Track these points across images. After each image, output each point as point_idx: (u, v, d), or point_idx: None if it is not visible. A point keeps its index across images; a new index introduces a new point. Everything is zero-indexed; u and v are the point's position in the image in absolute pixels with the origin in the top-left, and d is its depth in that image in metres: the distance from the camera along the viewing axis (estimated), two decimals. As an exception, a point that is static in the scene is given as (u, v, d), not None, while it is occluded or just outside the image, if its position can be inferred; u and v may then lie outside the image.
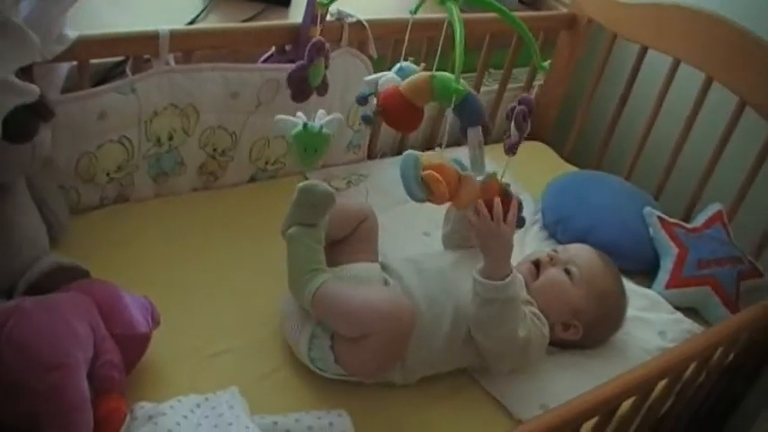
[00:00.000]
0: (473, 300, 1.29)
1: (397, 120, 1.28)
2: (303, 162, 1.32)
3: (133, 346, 1.14)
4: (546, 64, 1.29)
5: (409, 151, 1.19)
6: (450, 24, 1.17)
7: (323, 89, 1.42)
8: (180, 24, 1.57)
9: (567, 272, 1.43)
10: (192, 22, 1.65)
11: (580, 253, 1.48)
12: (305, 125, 1.29)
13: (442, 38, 1.28)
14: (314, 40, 1.33)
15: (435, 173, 1.17)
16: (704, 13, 1.79)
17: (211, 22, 1.69)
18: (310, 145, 1.30)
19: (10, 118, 1.09)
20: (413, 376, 1.31)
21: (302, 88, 1.37)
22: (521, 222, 1.36)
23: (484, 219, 1.27)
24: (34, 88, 0.81)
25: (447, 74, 1.22)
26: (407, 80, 1.25)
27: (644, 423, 1.47)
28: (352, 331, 1.21)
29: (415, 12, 1.32)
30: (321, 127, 1.30)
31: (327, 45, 1.37)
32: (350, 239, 1.42)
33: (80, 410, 0.95)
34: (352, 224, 1.42)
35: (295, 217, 1.29)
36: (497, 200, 1.27)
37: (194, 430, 1.06)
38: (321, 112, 1.34)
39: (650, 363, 1.33)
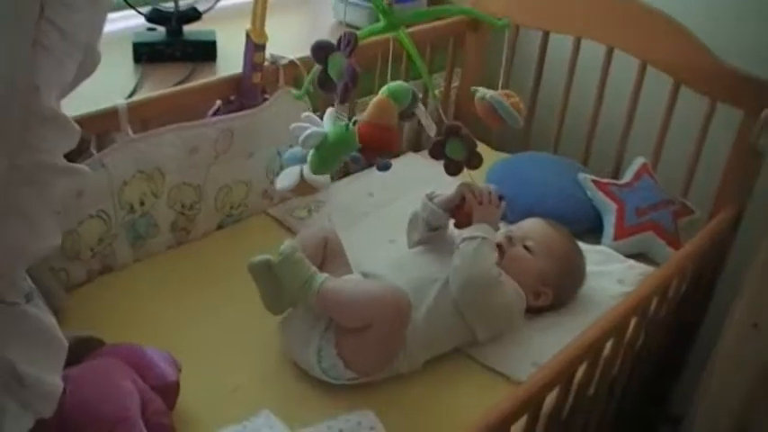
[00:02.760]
0: (455, 251, 1.46)
1: (381, 146, 1.34)
2: (332, 164, 1.32)
3: (167, 395, 1.24)
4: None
5: None
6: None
7: (344, 95, 1.28)
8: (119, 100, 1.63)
9: (526, 247, 1.59)
10: (131, 95, 1.73)
11: (532, 227, 1.64)
12: (347, 125, 1.29)
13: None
14: (344, 32, 1.26)
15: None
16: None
17: (149, 91, 1.74)
18: (347, 144, 1.30)
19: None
20: (416, 362, 1.44)
21: (322, 80, 1.30)
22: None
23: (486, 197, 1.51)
24: (84, 167, 0.90)
25: (393, 82, 1.36)
26: (369, 108, 1.34)
27: (624, 362, 1.63)
28: (356, 321, 1.34)
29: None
30: (353, 122, 1.31)
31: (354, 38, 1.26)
32: (324, 264, 1.52)
33: (145, 455, 1.05)
34: (319, 251, 1.53)
35: (266, 291, 1.40)
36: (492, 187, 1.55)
37: (245, 453, 1.16)
38: (330, 110, 1.34)
39: (620, 305, 1.48)
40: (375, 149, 1.35)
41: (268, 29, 1.68)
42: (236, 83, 1.71)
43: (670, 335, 1.89)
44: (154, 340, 1.36)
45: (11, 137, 0.76)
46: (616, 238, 1.84)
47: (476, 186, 1.54)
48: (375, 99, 1.37)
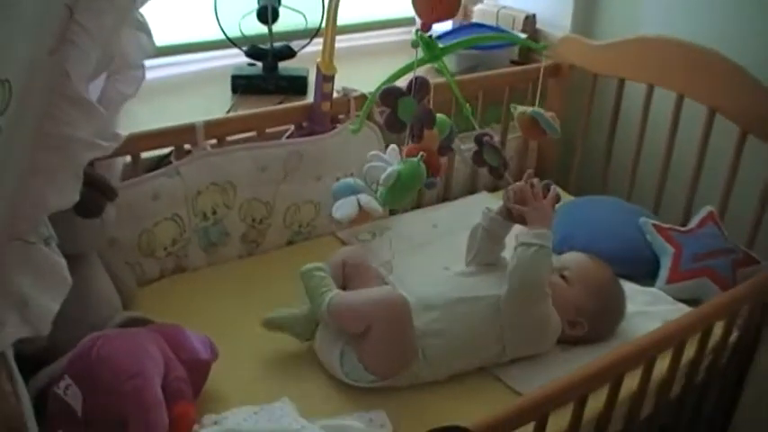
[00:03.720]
0: (513, 254, 1.55)
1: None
2: (406, 197, 1.41)
3: (197, 370, 1.38)
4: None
5: None
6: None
7: (420, 135, 1.36)
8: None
9: (562, 276, 1.63)
10: (225, 116, 1.95)
11: (572, 257, 1.69)
12: (418, 161, 1.37)
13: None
14: (417, 76, 1.34)
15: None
16: (665, 39, 2.02)
17: (241, 116, 1.97)
18: (420, 177, 1.37)
19: (81, 198, 1.38)
20: (438, 371, 1.51)
21: (389, 119, 1.36)
22: (558, 198, 1.65)
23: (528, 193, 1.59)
24: (104, 143, 1.09)
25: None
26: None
27: (657, 408, 1.62)
28: (359, 326, 1.46)
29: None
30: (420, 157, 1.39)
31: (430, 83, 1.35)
32: (349, 282, 1.65)
33: (157, 410, 1.19)
34: (339, 272, 1.65)
35: (314, 295, 1.55)
36: (536, 181, 1.61)
37: (253, 426, 1.28)
38: (393, 147, 1.49)
39: (649, 333, 1.50)
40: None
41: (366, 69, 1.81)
42: (307, 110, 1.88)
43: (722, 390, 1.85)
44: (208, 332, 1.50)
45: (38, 110, 0.94)
46: (669, 281, 1.84)
47: (515, 185, 1.61)
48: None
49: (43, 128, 0.96)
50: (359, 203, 1.50)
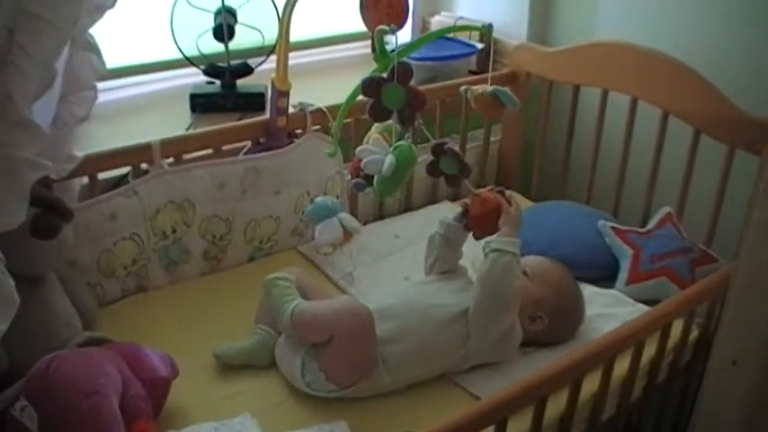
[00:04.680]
0: (484, 259, 1.55)
1: None
2: (403, 182, 1.47)
3: (156, 387, 1.38)
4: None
5: None
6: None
7: (411, 118, 1.41)
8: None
9: (524, 272, 1.65)
10: (183, 135, 1.95)
11: (533, 258, 1.71)
12: (409, 144, 1.44)
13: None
14: (399, 61, 1.38)
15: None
16: (618, 45, 2.05)
17: (199, 134, 1.98)
18: (413, 159, 1.45)
19: (36, 219, 1.38)
20: (398, 380, 1.52)
21: (374, 108, 1.40)
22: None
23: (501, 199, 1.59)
24: (48, 163, 1.09)
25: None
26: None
27: (619, 409, 1.63)
28: (321, 335, 1.46)
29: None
30: (407, 138, 1.46)
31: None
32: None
33: (114, 428, 1.20)
34: (302, 286, 1.64)
35: (278, 304, 1.55)
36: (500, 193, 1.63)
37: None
38: (376, 137, 1.50)
39: (608, 333, 1.51)
40: None
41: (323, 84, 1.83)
42: (263, 126, 1.89)
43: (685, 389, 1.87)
44: (170, 350, 1.50)
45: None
46: (629, 282, 1.86)
47: (484, 193, 1.62)
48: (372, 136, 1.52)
49: None
50: (342, 225, 1.53)
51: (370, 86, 1.37)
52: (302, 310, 1.50)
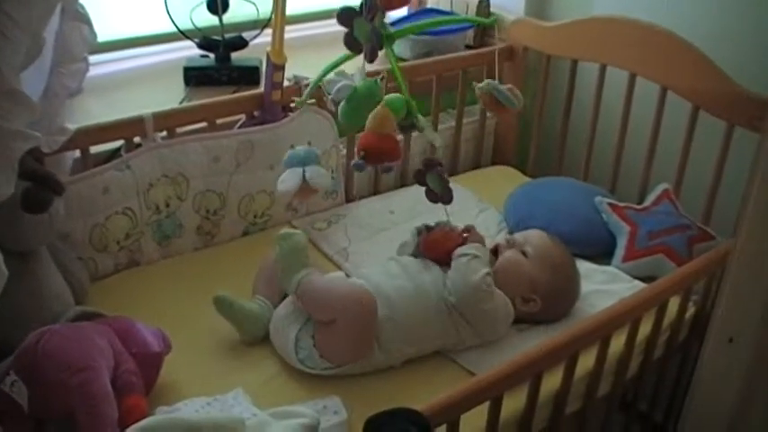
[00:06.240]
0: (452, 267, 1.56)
1: (382, 154, 1.45)
2: (360, 116, 1.43)
3: (149, 363, 1.37)
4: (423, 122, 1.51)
5: None
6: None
7: (372, 54, 1.39)
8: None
9: (523, 252, 1.64)
10: (176, 109, 1.92)
11: (533, 234, 1.70)
12: (375, 80, 1.44)
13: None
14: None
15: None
16: (617, 19, 2.03)
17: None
18: (374, 96, 1.43)
19: (27, 193, 1.36)
20: (393, 357, 1.51)
21: (348, 41, 1.40)
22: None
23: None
24: (37, 134, 1.07)
25: (391, 94, 1.46)
26: (369, 119, 1.43)
27: (615, 386, 1.63)
28: (324, 316, 1.46)
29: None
30: (381, 78, 1.45)
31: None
32: None
33: (106, 402, 1.18)
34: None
35: (287, 265, 1.53)
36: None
37: (205, 414, 1.27)
38: (358, 67, 1.46)
39: (604, 310, 1.51)
40: (377, 155, 1.45)
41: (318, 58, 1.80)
42: (257, 100, 1.86)
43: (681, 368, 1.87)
44: (163, 325, 1.49)
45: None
46: (625, 259, 1.85)
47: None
48: (374, 111, 1.48)
49: None
50: (303, 176, 1.48)
51: (343, 17, 1.38)
52: (307, 286, 1.49)
